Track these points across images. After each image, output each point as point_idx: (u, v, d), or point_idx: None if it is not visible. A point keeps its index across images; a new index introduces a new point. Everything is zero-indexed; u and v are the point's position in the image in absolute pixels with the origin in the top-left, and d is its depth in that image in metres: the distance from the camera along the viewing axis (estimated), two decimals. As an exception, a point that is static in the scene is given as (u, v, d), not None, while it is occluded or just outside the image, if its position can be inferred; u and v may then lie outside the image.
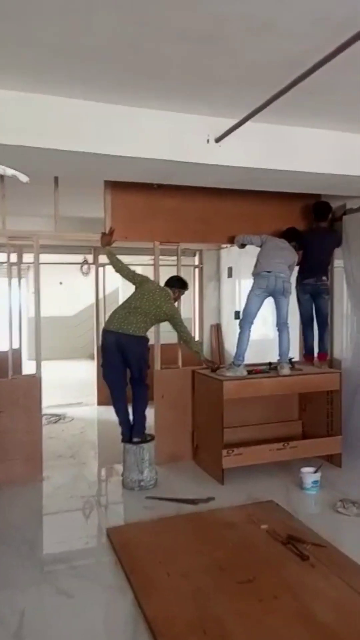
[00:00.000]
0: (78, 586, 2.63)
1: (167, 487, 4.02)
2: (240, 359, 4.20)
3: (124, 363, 3.97)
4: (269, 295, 4.30)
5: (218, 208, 4.67)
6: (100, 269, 7.10)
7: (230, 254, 7.38)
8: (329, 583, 2.60)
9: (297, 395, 4.85)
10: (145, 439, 4.01)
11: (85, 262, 8.16)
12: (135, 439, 3.96)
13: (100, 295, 7.17)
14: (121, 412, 4.04)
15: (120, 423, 4.05)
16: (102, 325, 7.21)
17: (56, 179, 4.14)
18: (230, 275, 7.39)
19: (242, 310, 4.32)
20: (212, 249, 7.62)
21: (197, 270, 7.69)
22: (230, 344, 7.53)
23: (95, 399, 7.00)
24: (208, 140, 3.30)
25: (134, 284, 4.17)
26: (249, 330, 4.26)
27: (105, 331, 4.04)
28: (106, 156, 3.13)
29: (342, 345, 4.79)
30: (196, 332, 7.73)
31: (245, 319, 4.27)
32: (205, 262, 7.72)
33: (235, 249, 7.20)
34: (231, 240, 4.73)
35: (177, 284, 4.23)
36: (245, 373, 4.18)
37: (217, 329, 7.74)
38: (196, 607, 2.41)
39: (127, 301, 4.08)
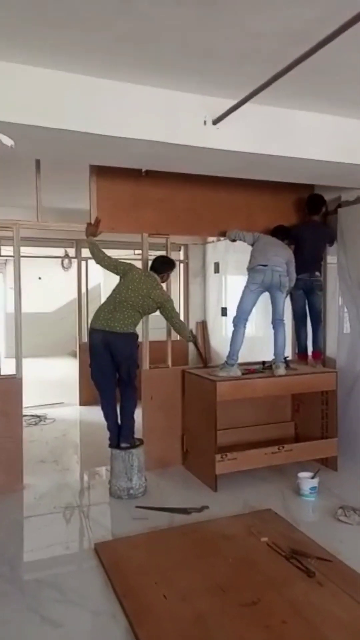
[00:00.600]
0: (65, 613, 2.37)
1: (157, 495, 3.78)
2: (234, 358, 3.98)
3: (112, 363, 3.70)
4: (264, 291, 4.08)
5: (208, 199, 4.42)
6: (83, 263, 6.79)
7: (217, 249, 7.15)
8: (340, 603, 2.39)
9: (289, 395, 4.66)
10: (134, 443, 3.75)
11: (67, 255, 7.82)
12: (123, 445, 3.70)
13: (83, 290, 6.87)
14: (110, 416, 3.77)
15: (108, 427, 3.78)
16: (84, 321, 7.03)
17: (38, 162, 3.85)
18: (217, 270, 7.16)
19: (237, 306, 4.08)
20: (198, 243, 7.39)
21: (182, 265, 7.45)
22: (216, 342, 7.32)
23: (77, 399, 6.71)
24: (205, 122, 3.04)
25: (117, 274, 3.88)
26: (244, 328, 4.04)
27: (91, 330, 3.77)
28: (92, 136, 2.84)
29: (335, 343, 4.60)
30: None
31: (239, 315, 4.05)
32: (191, 257, 7.48)
33: (222, 243, 7.04)
34: (222, 234, 4.50)
35: (163, 267, 3.94)
36: (239, 373, 3.96)
37: (203, 326, 7.51)
38: (198, 635, 2.18)
39: (112, 295, 3.80)
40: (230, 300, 6.94)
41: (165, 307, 3.83)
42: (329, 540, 3.00)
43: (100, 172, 4.01)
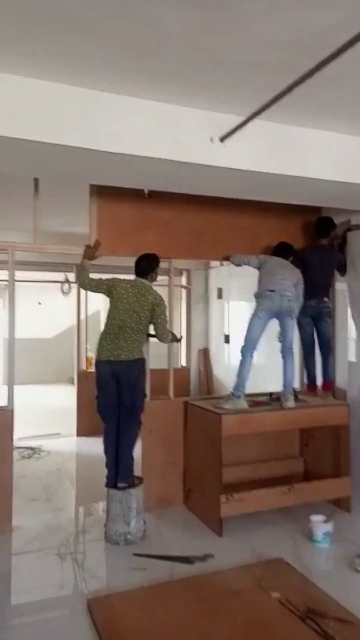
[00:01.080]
0: None
1: (157, 540, 3.47)
2: (241, 390, 3.72)
3: (118, 393, 3.47)
4: (272, 318, 3.85)
5: (213, 222, 4.24)
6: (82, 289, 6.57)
7: (220, 274, 6.96)
8: None
9: (297, 429, 4.38)
10: (133, 482, 3.46)
11: (66, 280, 7.63)
12: (120, 484, 3.41)
13: (82, 316, 6.65)
14: (109, 453, 3.49)
15: (107, 465, 3.49)
16: (83, 348, 6.79)
17: (36, 181, 3.67)
18: (220, 296, 6.95)
19: (245, 335, 3.84)
20: (200, 268, 7.21)
21: (184, 290, 7.25)
22: (219, 370, 7.06)
23: (74, 429, 6.40)
24: (212, 139, 2.86)
25: (105, 294, 3.61)
26: (252, 357, 3.80)
27: (97, 363, 3.54)
28: (92, 152, 2.66)
29: (345, 373, 4.34)
30: (182, 357, 7.24)
31: (247, 344, 3.80)
32: (193, 283, 7.29)
33: (225, 268, 6.84)
34: (226, 259, 4.30)
35: (149, 267, 3.62)
36: (246, 405, 3.69)
37: (204, 353, 7.26)
38: None
39: (109, 322, 3.54)
40: (233, 327, 6.71)
41: (160, 306, 3.51)
42: (347, 596, 2.69)
43: (101, 192, 3.84)
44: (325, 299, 4.18)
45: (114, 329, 3.48)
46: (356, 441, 4.01)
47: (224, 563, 3.09)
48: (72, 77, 2.53)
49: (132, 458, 3.47)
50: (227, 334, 6.76)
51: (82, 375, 6.56)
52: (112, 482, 3.43)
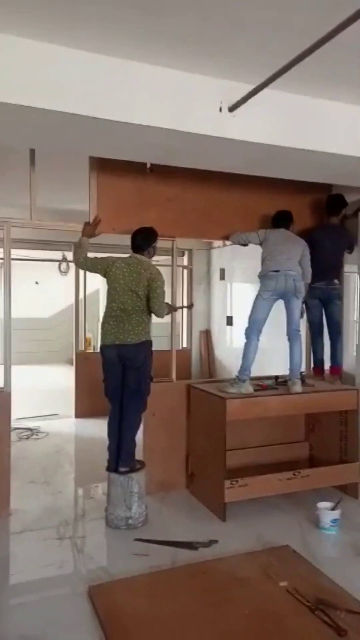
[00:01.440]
0: None
1: (159, 524, 3.39)
2: (247, 374, 3.61)
3: (123, 374, 3.36)
4: (278, 299, 3.72)
5: (218, 199, 4.07)
6: (81, 268, 6.42)
7: (223, 255, 6.80)
8: (379, 672, 2.01)
9: (303, 413, 4.28)
10: (134, 467, 3.37)
11: (64, 259, 7.46)
12: (122, 469, 3.31)
13: (81, 296, 6.50)
14: (113, 436, 3.38)
15: (109, 447, 3.39)
16: (82, 328, 6.66)
17: (32, 153, 3.49)
18: (222, 277, 6.80)
19: (249, 316, 3.72)
20: (202, 248, 7.04)
21: (185, 271, 7.09)
22: (221, 352, 6.95)
23: (72, 411, 6.32)
24: (221, 109, 2.69)
25: (101, 274, 3.47)
26: (257, 340, 3.68)
27: (102, 347, 3.42)
28: (95, 121, 2.50)
29: (353, 358, 4.23)
30: (184, 338, 7.13)
31: (251, 326, 3.68)
32: (195, 263, 7.13)
33: (228, 249, 6.68)
34: (226, 238, 4.14)
35: (146, 241, 3.45)
36: (251, 390, 3.58)
37: (206, 335, 7.15)
38: None
39: (109, 306, 3.40)
40: (236, 309, 6.58)
41: (155, 281, 3.30)
42: (357, 586, 2.61)
43: (102, 166, 3.67)
44: (335, 281, 4.04)
45: (115, 312, 3.34)
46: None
47: (228, 549, 3.01)
48: (73, 39, 2.36)
49: (134, 442, 3.37)
50: (229, 315, 6.63)
51: (81, 356, 6.46)
52: (114, 466, 3.33)
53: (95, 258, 3.53)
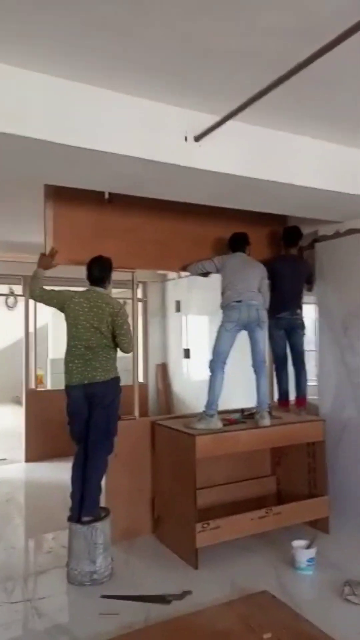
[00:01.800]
0: None
1: (127, 577, 3.14)
2: (214, 407, 3.49)
3: (89, 414, 3.15)
4: (241, 329, 3.65)
5: (177, 230, 4.01)
6: (31, 302, 6.15)
7: (179, 286, 6.75)
8: None
9: (271, 447, 4.18)
10: (99, 515, 3.11)
11: (12, 293, 7.13)
12: (85, 518, 3.05)
13: (31, 330, 6.21)
14: (77, 482, 3.12)
15: (72, 495, 3.13)
16: (32, 364, 6.33)
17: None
18: (178, 309, 6.72)
19: (213, 349, 3.61)
20: (157, 280, 6.97)
21: (140, 304, 6.96)
22: (179, 386, 6.80)
23: (22, 454, 5.91)
24: (186, 138, 2.65)
25: (57, 307, 3.28)
26: (223, 372, 3.56)
27: (69, 388, 3.18)
28: (56, 146, 2.36)
29: (318, 387, 4.22)
30: (140, 372, 6.92)
31: (216, 359, 3.57)
32: (149, 295, 7.03)
33: (184, 280, 6.64)
34: (184, 269, 4.08)
35: (103, 272, 3.27)
36: (220, 425, 3.45)
37: (163, 368, 6.99)
38: None
39: (71, 344, 3.18)
40: (193, 342, 6.50)
41: (119, 316, 3.17)
42: (341, 630, 2.48)
43: (58, 195, 3.53)
44: (298, 311, 4.03)
45: (80, 350, 3.15)
46: (329, 458, 3.86)
47: (203, 600, 2.80)
48: (37, 64, 2.24)
49: (100, 488, 3.13)
50: (187, 348, 6.53)
51: (31, 394, 6.11)
52: (76, 515, 3.06)
53: (52, 290, 3.34)
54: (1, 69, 2.23)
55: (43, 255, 3.43)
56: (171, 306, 6.91)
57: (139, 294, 6.99)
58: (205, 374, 6.25)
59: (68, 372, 3.15)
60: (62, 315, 3.32)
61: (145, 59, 2.19)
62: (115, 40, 2.06)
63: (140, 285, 6.99)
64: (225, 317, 3.65)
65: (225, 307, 3.67)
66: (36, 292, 3.28)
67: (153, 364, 7.00)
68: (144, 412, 5.93)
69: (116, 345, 3.25)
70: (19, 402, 10.69)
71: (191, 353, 6.44)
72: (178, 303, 6.72)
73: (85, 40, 2.05)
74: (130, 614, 2.70)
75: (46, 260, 3.40)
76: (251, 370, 3.74)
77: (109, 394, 3.15)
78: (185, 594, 2.89)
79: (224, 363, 3.60)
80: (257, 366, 3.66)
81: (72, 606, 2.88)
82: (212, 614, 2.64)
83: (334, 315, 4.07)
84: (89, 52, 2.14)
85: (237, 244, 3.89)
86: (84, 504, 3.06)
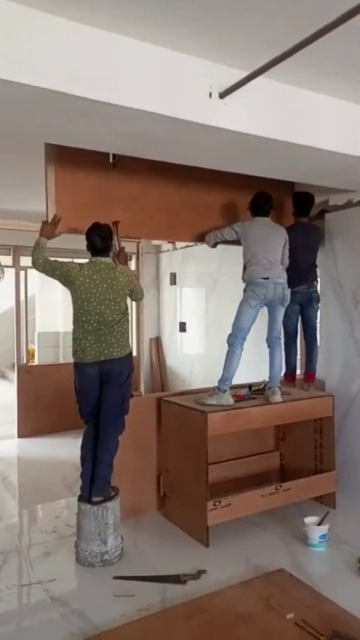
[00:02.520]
0: None
1: (137, 557, 3.06)
2: (227, 384, 3.37)
3: (101, 391, 3.00)
4: (263, 306, 3.51)
5: (185, 198, 3.82)
6: (22, 273, 5.90)
7: (173, 259, 6.56)
8: None
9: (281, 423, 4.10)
10: (109, 495, 3.00)
11: (-1, 264, 6.86)
12: (95, 498, 2.93)
13: (22, 304, 5.97)
14: (87, 461, 2.99)
15: (82, 474, 3.00)
16: (23, 336, 6.11)
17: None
18: (173, 282, 6.55)
19: (233, 323, 3.45)
20: (150, 252, 6.76)
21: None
22: (173, 360, 6.69)
23: (15, 430, 5.76)
24: (211, 95, 2.44)
25: (61, 281, 3.05)
26: (241, 349, 3.42)
27: (81, 366, 2.99)
28: (71, 98, 2.13)
29: (324, 363, 4.13)
30: (134, 346, 6.77)
31: (236, 334, 3.42)
32: (143, 268, 6.81)
33: (179, 252, 6.46)
34: (201, 239, 3.90)
35: (108, 243, 3.08)
36: (232, 401, 3.35)
37: (157, 342, 6.86)
38: None
39: (84, 319, 2.95)
40: (188, 315, 6.36)
41: (135, 283, 3.21)
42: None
43: (60, 158, 3.29)
44: (315, 282, 3.88)
45: (92, 325, 2.95)
46: (336, 433, 3.81)
47: (219, 579, 2.74)
48: (49, 4, 1.99)
49: (111, 468, 3.00)
50: (182, 322, 6.39)
51: (23, 369, 5.92)
52: (87, 495, 2.94)
53: (56, 261, 3.12)
54: (10, 8, 1.97)
55: (45, 223, 3.20)
56: (165, 279, 6.73)
57: (132, 267, 6.79)
58: (201, 348, 6.20)
59: (81, 348, 2.96)
60: (50, 288, 3.12)
61: (173, 2, 1.96)
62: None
63: (133, 257, 6.77)
64: (250, 293, 3.44)
65: (250, 282, 3.46)
66: (40, 261, 3.06)
67: (147, 337, 6.84)
68: (135, 388, 5.82)
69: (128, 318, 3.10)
70: (4, 377, 10.51)
71: (187, 327, 6.30)
72: (173, 276, 6.54)
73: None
74: (146, 595, 2.63)
75: (49, 229, 3.18)
76: (255, 344, 3.63)
77: (125, 370, 3.01)
78: (200, 573, 2.82)
79: (244, 339, 3.45)
80: (272, 342, 3.55)
81: (84, 589, 2.79)
82: (232, 594, 2.57)
83: (344, 289, 3.96)
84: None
85: (260, 207, 3.60)
86: (95, 484, 2.94)
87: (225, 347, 3.50)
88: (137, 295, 3.26)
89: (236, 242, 3.68)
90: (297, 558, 3.00)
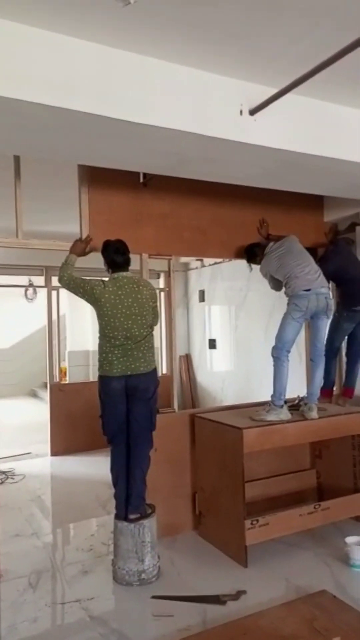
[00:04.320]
0: None
1: (174, 576, 3.02)
2: (282, 398, 3.35)
3: (128, 408, 3.00)
4: (307, 318, 3.49)
5: (216, 215, 3.85)
6: (54, 293, 6.02)
7: (202, 276, 6.59)
8: None
9: (318, 440, 4.01)
10: (146, 512, 2.98)
11: (31, 284, 6.99)
12: (132, 516, 2.92)
13: (54, 322, 6.08)
14: (120, 480, 2.98)
15: (116, 495, 2.99)
16: (55, 357, 6.20)
17: (17, 160, 3.13)
18: (202, 299, 6.57)
19: (277, 336, 3.42)
20: (179, 270, 6.81)
21: (163, 294, 6.80)
22: (203, 377, 6.67)
23: (48, 448, 5.81)
24: (241, 112, 2.47)
25: (85, 297, 3.05)
26: (288, 361, 3.39)
27: (107, 380, 2.99)
28: (105, 120, 2.20)
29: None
30: (163, 364, 6.79)
31: (281, 347, 3.39)
32: (174, 285, 6.86)
33: (207, 269, 6.49)
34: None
35: (127, 257, 3.09)
36: (290, 416, 3.33)
37: (187, 360, 6.85)
38: None
39: (111, 335, 2.96)
40: (217, 332, 6.35)
41: (156, 298, 3.20)
42: None
43: (92, 179, 3.37)
44: None
45: (119, 340, 2.96)
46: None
47: (260, 600, 2.67)
48: (83, 30, 2.07)
49: (145, 484, 2.99)
50: (212, 338, 6.38)
51: (56, 388, 5.98)
52: (123, 513, 2.93)
53: (81, 278, 3.13)
54: (49, 36, 2.06)
55: (77, 241, 3.27)
56: (194, 296, 6.76)
57: (161, 284, 6.84)
58: (231, 364, 6.17)
59: (107, 362, 2.98)
60: (80, 307, 3.15)
61: (197, 24, 2.01)
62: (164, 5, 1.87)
63: (162, 275, 6.83)
64: (293, 306, 3.42)
65: (293, 295, 3.44)
66: (64, 278, 3.09)
67: (177, 355, 6.84)
68: (168, 404, 5.81)
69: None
70: (35, 396, 10.66)
71: (218, 343, 6.29)
72: (202, 293, 6.56)
73: (132, 10, 1.86)
74: (185, 615, 2.58)
75: (81, 247, 3.24)
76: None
77: (151, 385, 3.01)
78: (239, 593, 2.76)
79: (289, 352, 3.42)
80: (316, 356, 3.50)
81: (123, 608, 2.76)
82: (274, 616, 2.50)
83: (377, 302, 3.90)
84: (137, 16, 1.95)
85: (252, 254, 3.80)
86: (130, 501, 2.93)
87: (256, 363, 3.48)
88: (154, 317, 3.16)
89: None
90: (340, 579, 2.91)
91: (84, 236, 3.31)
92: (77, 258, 3.22)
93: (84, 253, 3.26)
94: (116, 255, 3.07)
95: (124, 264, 3.09)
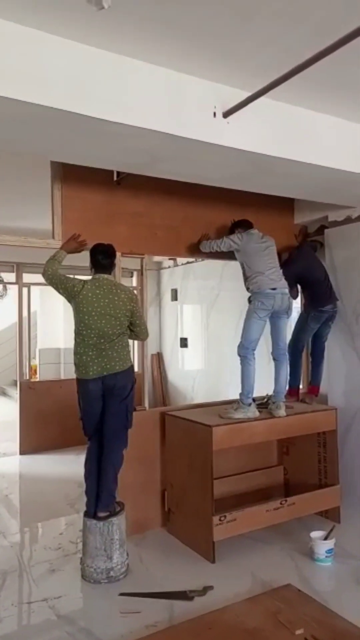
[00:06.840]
0: None
1: (142, 573, 3.03)
2: (250, 396, 3.40)
3: (104, 406, 3.01)
4: (269, 317, 3.54)
5: (189, 215, 3.89)
6: (24, 290, 5.94)
7: (174, 275, 6.62)
8: None
9: (285, 437, 4.10)
10: (115, 510, 2.99)
11: (1, 281, 6.88)
12: (101, 514, 2.93)
13: (24, 321, 6.00)
14: (92, 478, 2.98)
15: (86, 491, 2.99)
16: (25, 355, 6.13)
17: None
18: (174, 298, 6.59)
19: (243, 336, 3.47)
20: (152, 268, 6.81)
21: (135, 292, 6.80)
22: (174, 376, 6.70)
23: (16, 447, 5.73)
24: (215, 114, 2.51)
25: (64, 294, 3.08)
26: (254, 360, 3.44)
27: (84, 382, 3.00)
28: (79, 118, 2.20)
29: (326, 376, 4.15)
30: (136, 362, 6.78)
31: (247, 346, 3.43)
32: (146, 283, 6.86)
33: (180, 269, 6.52)
34: (196, 251, 3.93)
35: (111, 262, 3.13)
36: (258, 414, 3.38)
37: (158, 358, 6.87)
38: None
39: (84, 334, 2.97)
40: (189, 331, 6.39)
41: (136, 302, 3.15)
42: (372, 623, 2.43)
43: (65, 176, 3.36)
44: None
45: (93, 340, 2.96)
46: (341, 447, 3.81)
47: (226, 595, 2.72)
48: (58, 27, 2.07)
49: (116, 483, 3.00)
50: (184, 337, 6.42)
51: (25, 386, 5.92)
52: (92, 511, 2.94)
53: (64, 275, 3.15)
54: (20, 31, 2.04)
55: (71, 239, 3.24)
56: (166, 295, 6.78)
57: (134, 283, 6.83)
58: (202, 363, 6.22)
59: (82, 364, 2.98)
60: (51, 304, 3.15)
61: (173, 24, 2.03)
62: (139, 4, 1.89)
63: (135, 274, 6.83)
64: (258, 304, 3.44)
65: (258, 293, 3.47)
66: (48, 273, 3.09)
67: (149, 353, 6.86)
68: (140, 402, 5.83)
69: (129, 333, 3.12)
70: (5, 394, 10.49)
71: (188, 342, 6.33)
72: (175, 291, 6.59)
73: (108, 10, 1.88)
74: (153, 612, 2.60)
75: (74, 245, 3.22)
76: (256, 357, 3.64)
77: (128, 384, 3.02)
78: (206, 589, 2.80)
79: (254, 350, 3.47)
80: (279, 355, 3.57)
81: (90, 606, 2.76)
82: (240, 610, 2.55)
83: (344, 303, 4.01)
84: (112, 15, 1.96)
85: (249, 225, 3.71)
86: (101, 498, 2.93)
87: (227, 362, 3.54)
88: (141, 335, 3.20)
89: (226, 255, 3.73)
90: (304, 573, 2.99)
91: (56, 234, 3.29)
92: (67, 255, 3.21)
93: (75, 251, 3.27)
94: (101, 257, 3.11)
95: (107, 267, 3.14)
